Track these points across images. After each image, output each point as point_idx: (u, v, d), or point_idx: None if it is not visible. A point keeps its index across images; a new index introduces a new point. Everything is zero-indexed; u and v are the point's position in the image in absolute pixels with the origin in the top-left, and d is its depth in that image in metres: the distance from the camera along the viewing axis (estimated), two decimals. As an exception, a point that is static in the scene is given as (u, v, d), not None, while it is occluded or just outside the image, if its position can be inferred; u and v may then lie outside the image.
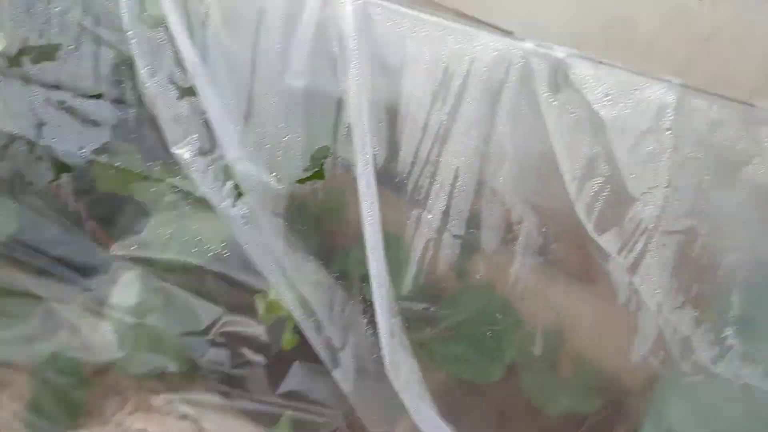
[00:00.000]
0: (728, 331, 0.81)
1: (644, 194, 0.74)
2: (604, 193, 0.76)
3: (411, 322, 1.07)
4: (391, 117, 0.86)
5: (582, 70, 0.67)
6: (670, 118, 0.66)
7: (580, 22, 1.14)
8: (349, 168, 0.93)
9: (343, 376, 1.13)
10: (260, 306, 1.21)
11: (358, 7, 0.75)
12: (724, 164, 0.68)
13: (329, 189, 0.99)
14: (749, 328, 0.80)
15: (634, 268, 0.81)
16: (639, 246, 0.78)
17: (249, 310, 1.23)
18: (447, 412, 1.09)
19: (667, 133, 0.67)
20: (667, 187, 0.71)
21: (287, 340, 1.21)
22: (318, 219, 1.05)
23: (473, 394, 1.15)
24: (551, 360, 1.08)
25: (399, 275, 1.00)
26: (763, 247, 0.73)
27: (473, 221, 0.90)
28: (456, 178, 0.85)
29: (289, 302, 1.10)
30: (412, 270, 0.99)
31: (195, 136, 1.00)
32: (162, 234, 1.20)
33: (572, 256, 0.92)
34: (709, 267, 0.77)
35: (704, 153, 0.67)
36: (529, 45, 0.69)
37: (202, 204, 1.05)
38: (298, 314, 1.10)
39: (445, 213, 0.89)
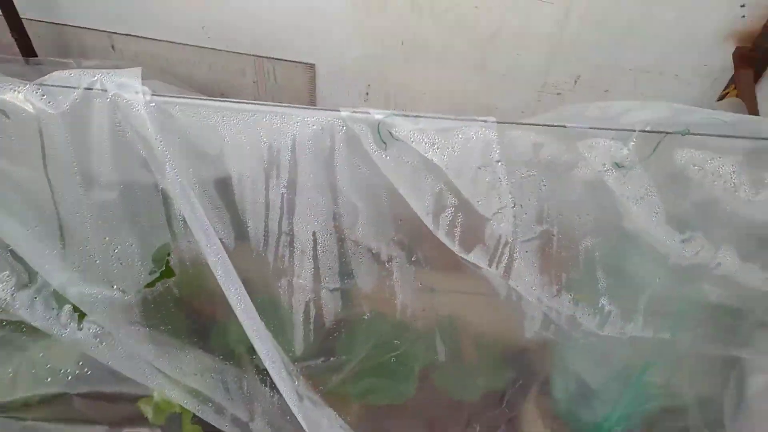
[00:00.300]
0: (603, 301, 0.97)
1: (495, 215, 0.85)
2: (459, 220, 0.87)
3: (315, 378, 1.15)
4: (226, 200, 0.89)
5: (404, 126, 0.75)
6: (497, 151, 0.76)
7: (377, 44, 1.22)
8: (197, 256, 0.95)
9: (262, 444, 1.20)
10: (147, 411, 1.22)
11: (152, 109, 0.75)
12: (555, 174, 0.80)
13: (184, 280, 1.01)
14: (619, 293, 0.97)
15: (507, 274, 0.93)
16: (505, 257, 0.90)
17: (136, 418, 1.24)
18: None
19: (499, 164, 0.77)
20: (513, 206, 0.82)
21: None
22: (182, 311, 1.07)
23: (399, 410, 1.27)
24: (455, 355, 1.22)
25: (288, 342, 1.06)
26: (605, 227, 0.87)
27: (345, 272, 0.97)
28: (315, 241, 0.91)
29: (178, 398, 1.12)
30: (299, 333, 1.05)
31: (6, 272, 0.97)
32: (2, 374, 1.15)
33: (449, 271, 1.03)
34: (570, 257, 0.91)
35: (536, 170, 0.79)
36: (345, 113, 0.75)
37: (39, 331, 1.03)
38: (192, 406, 1.13)
39: (316, 274, 0.96)
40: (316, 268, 0.93)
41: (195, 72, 1.32)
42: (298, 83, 1.31)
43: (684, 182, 0.77)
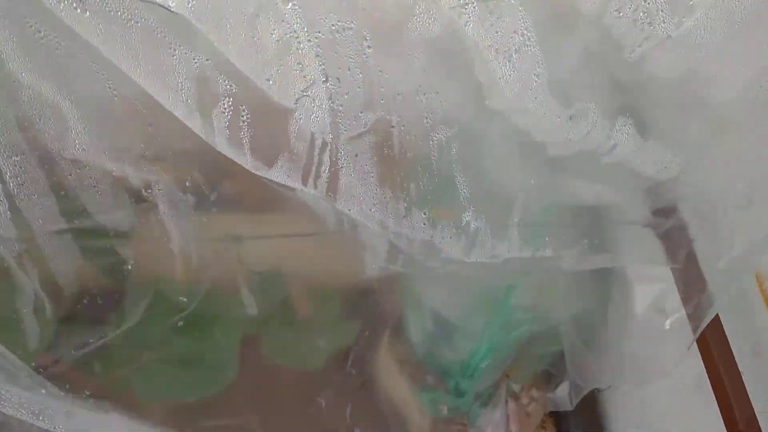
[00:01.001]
0: (467, 216, 0.75)
1: (300, 99, 0.56)
2: (245, 117, 0.57)
3: (74, 378, 0.81)
4: None
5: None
6: (285, -21, 0.47)
7: None
8: None
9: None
10: None
11: None
12: (383, 25, 0.53)
13: None
14: (486, 201, 0.75)
15: (331, 193, 0.66)
16: (325, 167, 0.63)
17: None
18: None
19: (290, 5, 0.48)
20: (325, 80, 0.55)
21: None
22: None
23: (222, 399, 1.00)
24: (284, 317, 0.98)
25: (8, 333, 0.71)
26: (463, 108, 0.63)
27: (73, 209, 0.63)
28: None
29: None
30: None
31: None
32: None
33: (250, 196, 0.74)
34: (418, 157, 0.66)
35: (353, 19, 0.51)
36: None
37: None
38: None
39: (15, 213, 0.60)
40: (13, 206, 0.59)
41: None
42: None
43: (573, 19, 0.53)
